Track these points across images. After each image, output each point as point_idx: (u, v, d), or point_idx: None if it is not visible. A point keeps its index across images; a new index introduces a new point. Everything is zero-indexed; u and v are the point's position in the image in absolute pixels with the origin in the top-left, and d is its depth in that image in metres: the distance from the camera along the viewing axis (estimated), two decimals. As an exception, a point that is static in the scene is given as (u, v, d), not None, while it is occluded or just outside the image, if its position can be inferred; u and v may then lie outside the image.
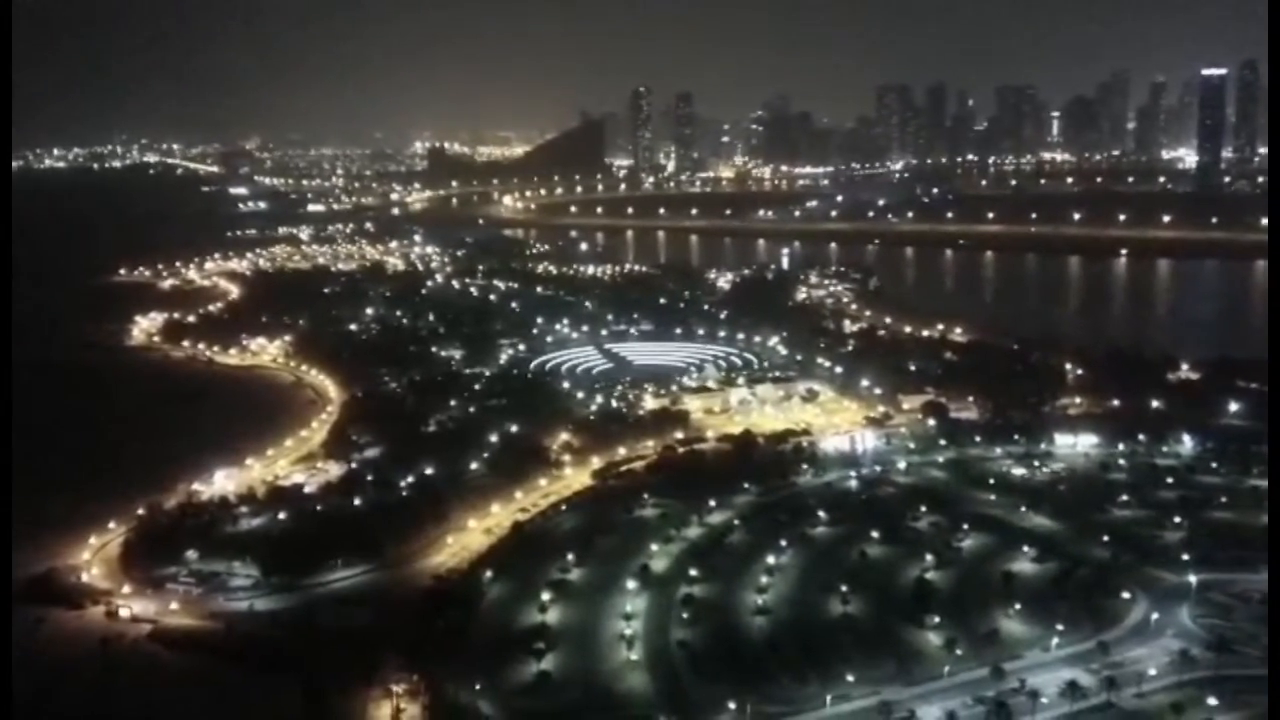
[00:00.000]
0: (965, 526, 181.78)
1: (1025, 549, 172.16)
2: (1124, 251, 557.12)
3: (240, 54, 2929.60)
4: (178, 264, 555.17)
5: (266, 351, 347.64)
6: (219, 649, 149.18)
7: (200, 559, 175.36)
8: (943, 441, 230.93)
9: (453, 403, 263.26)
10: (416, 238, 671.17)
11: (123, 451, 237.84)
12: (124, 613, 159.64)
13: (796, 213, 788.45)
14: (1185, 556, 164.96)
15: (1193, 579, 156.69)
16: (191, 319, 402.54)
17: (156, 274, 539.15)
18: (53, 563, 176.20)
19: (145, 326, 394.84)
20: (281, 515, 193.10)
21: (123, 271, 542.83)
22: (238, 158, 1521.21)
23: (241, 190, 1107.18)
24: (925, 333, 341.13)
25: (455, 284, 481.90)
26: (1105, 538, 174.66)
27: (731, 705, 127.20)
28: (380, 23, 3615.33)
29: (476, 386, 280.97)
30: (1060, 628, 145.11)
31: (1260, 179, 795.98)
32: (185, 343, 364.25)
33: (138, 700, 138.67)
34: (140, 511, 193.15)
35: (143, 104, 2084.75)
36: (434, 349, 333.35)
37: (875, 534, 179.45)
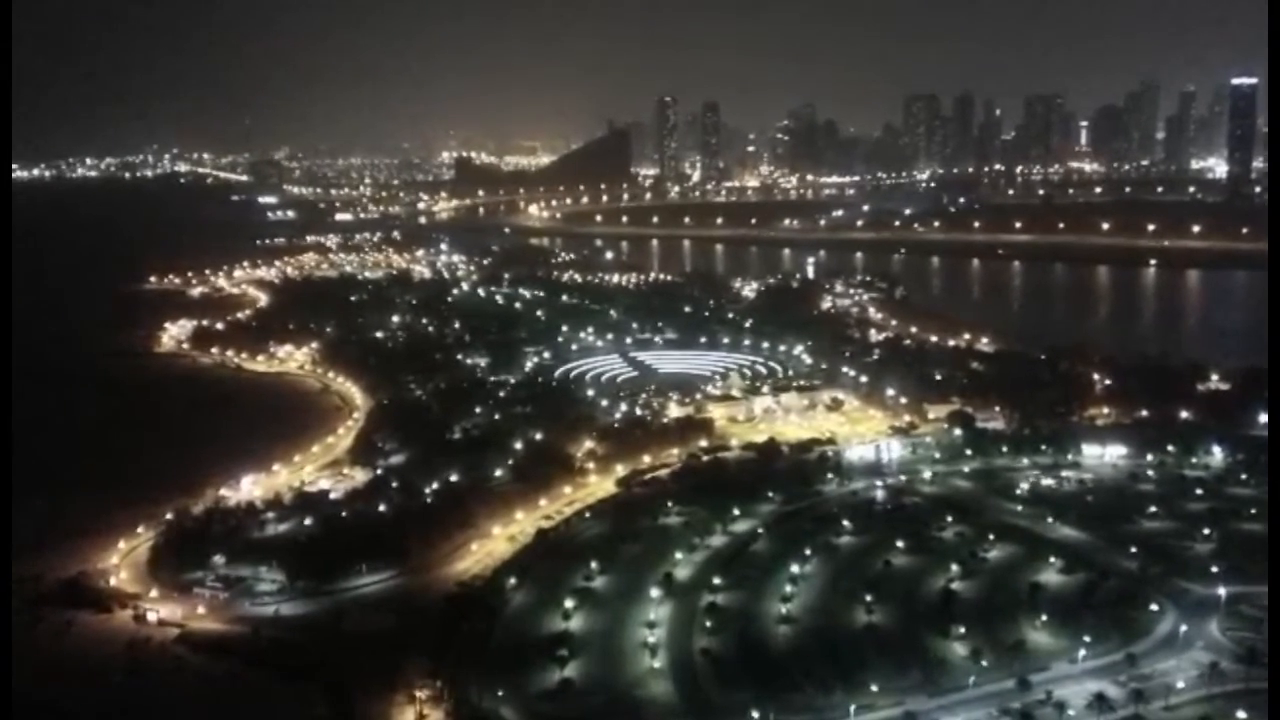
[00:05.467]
0: (991, 536, 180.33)
1: (1052, 560, 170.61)
2: (1153, 261, 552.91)
3: (270, 66, 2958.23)
4: (207, 272, 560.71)
5: (294, 358, 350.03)
6: (245, 653, 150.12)
7: (227, 564, 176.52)
8: (969, 451, 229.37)
9: (478, 410, 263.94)
10: (443, 246, 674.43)
11: (151, 457, 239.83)
12: (151, 616, 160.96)
13: (822, 222, 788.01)
14: (1214, 568, 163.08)
15: (1222, 591, 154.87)
16: (220, 326, 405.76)
17: (186, 281, 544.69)
18: (82, 567, 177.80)
19: (174, 333, 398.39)
20: (307, 521, 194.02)
21: (153, 279, 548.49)
22: (267, 167, 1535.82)
23: (270, 199, 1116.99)
24: (951, 342, 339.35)
25: (481, 292, 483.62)
26: (1133, 549, 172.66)
27: (755, 714, 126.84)
28: (408, 34, 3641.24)
29: (501, 394, 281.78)
30: (1087, 639, 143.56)
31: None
32: (214, 349, 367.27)
33: (163, 703, 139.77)
34: (168, 516, 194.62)
35: (174, 114, 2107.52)
36: (459, 356, 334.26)
37: (900, 543, 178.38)
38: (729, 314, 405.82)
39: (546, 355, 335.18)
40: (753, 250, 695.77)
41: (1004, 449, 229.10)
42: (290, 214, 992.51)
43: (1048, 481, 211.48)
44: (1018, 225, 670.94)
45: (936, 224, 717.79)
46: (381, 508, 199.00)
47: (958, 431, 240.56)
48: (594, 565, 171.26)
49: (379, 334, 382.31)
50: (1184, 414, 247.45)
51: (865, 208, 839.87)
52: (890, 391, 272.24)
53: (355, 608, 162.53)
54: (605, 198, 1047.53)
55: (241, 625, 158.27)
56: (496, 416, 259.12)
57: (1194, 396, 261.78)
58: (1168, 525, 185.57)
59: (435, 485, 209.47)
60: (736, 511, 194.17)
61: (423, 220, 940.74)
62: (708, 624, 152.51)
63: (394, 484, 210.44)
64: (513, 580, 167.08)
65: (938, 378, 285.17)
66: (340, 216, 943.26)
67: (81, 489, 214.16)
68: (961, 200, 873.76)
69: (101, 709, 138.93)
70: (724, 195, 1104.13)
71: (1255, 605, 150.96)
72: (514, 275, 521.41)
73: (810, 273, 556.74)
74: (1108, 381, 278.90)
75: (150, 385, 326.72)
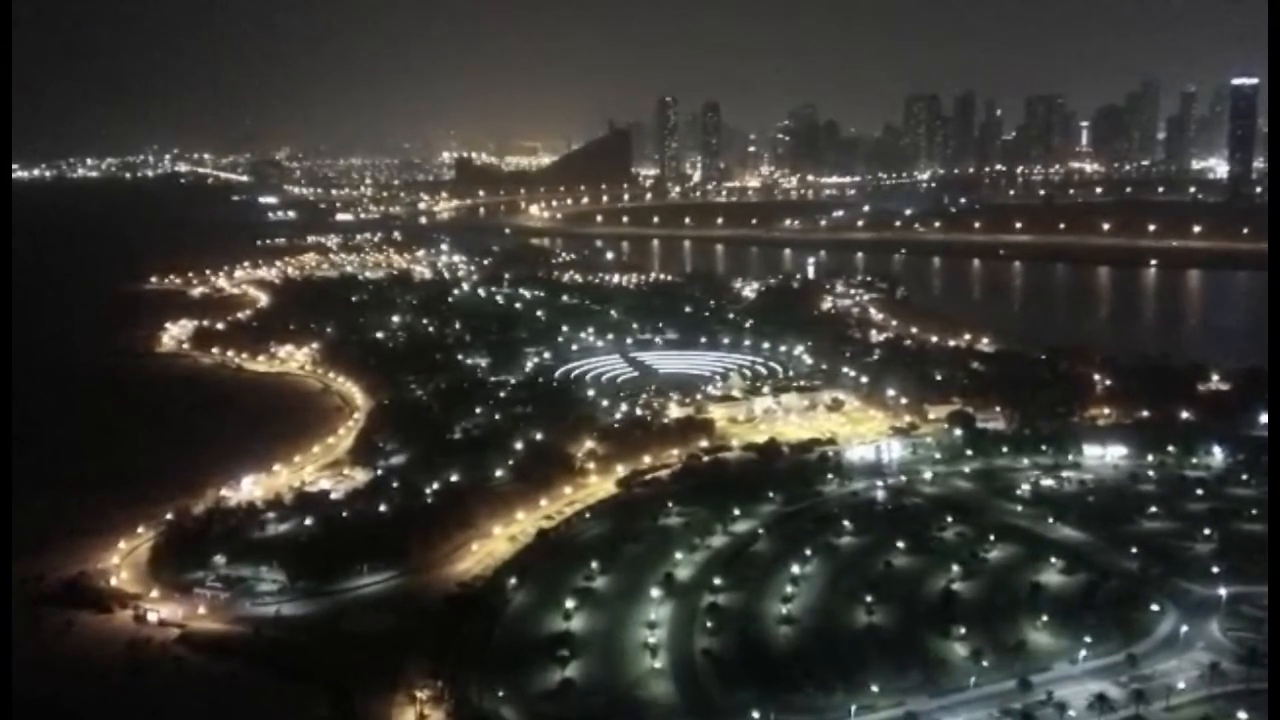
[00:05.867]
0: (992, 537, 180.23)
1: (1053, 560, 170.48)
2: (1154, 262, 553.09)
3: (271, 66, 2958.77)
4: (208, 272, 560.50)
5: (294, 359, 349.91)
6: (245, 653, 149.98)
7: (228, 564, 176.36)
8: (969, 451, 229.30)
9: (478, 410, 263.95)
10: (443, 246, 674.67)
11: (152, 457, 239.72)
12: (152, 617, 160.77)
13: (823, 222, 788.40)
14: (1215, 569, 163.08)
15: (1223, 591, 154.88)
16: (221, 326, 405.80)
17: (187, 282, 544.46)
18: (82, 567, 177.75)
19: (175, 334, 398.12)
20: (308, 521, 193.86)
21: (154, 279, 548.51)
22: (268, 167, 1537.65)
23: (271, 199, 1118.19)
24: (952, 342, 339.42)
25: (481, 292, 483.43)
26: (1134, 549, 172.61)
27: (755, 715, 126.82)
28: (409, 35, 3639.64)
29: (502, 394, 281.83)
30: (1088, 640, 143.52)
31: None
32: (214, 350, 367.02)
33: (164, 703, 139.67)
34: (169, 517, 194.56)
35: (175, 115, 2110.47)
36: (460, 357, 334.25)
37: (901, 544, 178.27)
38: (729, 314, 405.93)
39: (547, 355, 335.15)
40: (753, 250, 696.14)
41: (1004, 449, 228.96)
42: (291, 214, 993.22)
43: (1048, 482, 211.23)
44: (1018, 225, 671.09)
45: (937, 224, 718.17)
46: (382, 508, 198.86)
47: (958, 432, 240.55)
48: (595, 565, 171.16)
49: (379, 334, 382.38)
50: (1185, 414, 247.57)
51: (866, 208, 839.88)
52: (891, 392, 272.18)
53: (356, 608, 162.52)
54: (606, 198, 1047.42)
55: (242, 625, 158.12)
56: (497, 417, 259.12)
57: (1195, 397, 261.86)
58: (1168, 526, 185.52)
59: (436, 485, 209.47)
60: (737, 512, 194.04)
61: (423, 220, 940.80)
62: (708, 624, 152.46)
63: (394, 484, 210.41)
64: (513, 580, 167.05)
65: (938, 378, 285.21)
66: (341, 217, 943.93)
67: (82, 489, 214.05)
68: (962, 200, 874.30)
69: (102, 709, 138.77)
70: (724, 195, 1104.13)
71: (1256, 605, 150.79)
72: (514, 275, 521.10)
73: (811, 273, 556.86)
74: (1108, 382, 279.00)
75: (151, 385, 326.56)
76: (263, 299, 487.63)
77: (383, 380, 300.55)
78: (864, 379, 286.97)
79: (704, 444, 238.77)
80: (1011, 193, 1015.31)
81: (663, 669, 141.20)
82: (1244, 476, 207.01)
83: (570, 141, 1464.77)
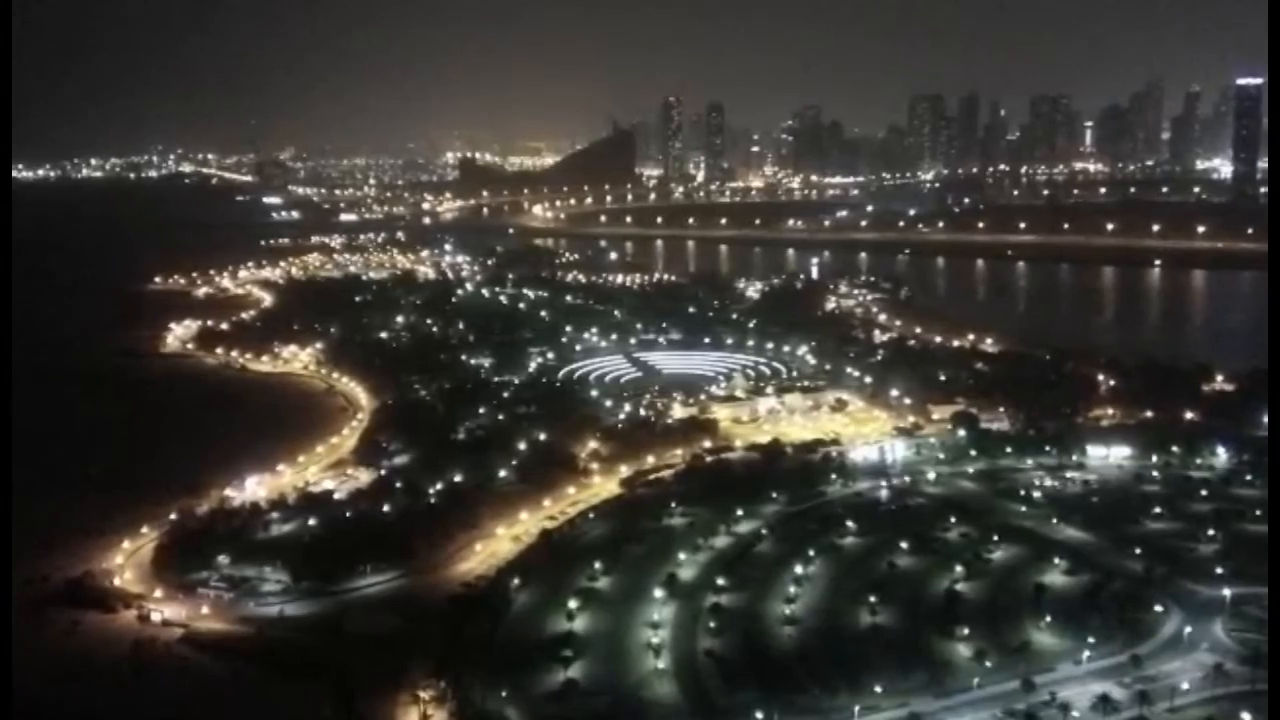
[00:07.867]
0: (996, 538, 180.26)
1: (1057, 561, 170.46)
2: (1158, 262, 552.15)
3: (275, 66, 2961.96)
4: (212, 272, 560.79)
5: (298, 359, 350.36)
6: (249, 653, 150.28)
7: (231, 564, 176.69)
8: (973, 452, 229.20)
9: (482, 410, 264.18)
10: (447, 246, 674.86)
11: (156, 457, 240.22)
12: (156, 617, 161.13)
13: (826, 222, 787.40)
14: (1219, 570, 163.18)
15: (1227, 592, 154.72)
16: (225, 326, 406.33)
17: (191, 282, 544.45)
18: (86, 567, 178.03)
19: (179, 334, 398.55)
20: (312, 521, 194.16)
21: (158, 280, 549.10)
22: (272, 168, 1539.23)
23: (275, 199, 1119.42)
24: (956, 342, 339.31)
25: (485, 292, 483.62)
26: (1138, 550, 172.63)
27: (759, 715, 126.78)
28: (413, 35, 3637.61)
29: (506, 394, 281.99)
30: (1092, 640, 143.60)
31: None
32: (219, 350, 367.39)
33: (168, 703, 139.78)
34: (173, 517, 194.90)
35: (179, 115, 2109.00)
36: (464, 357, 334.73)
37: (905, 544, 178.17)
38: (733, 314, 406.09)
39: (550, 356, 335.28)
40: (757, 251, 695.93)
41: (1009, 450, 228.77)
42: (295, 214, 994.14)
43: (1052, 482, 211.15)
44: (1022, 226, 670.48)
45: (941, 225, 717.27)
46: (386, 508, 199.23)
47: (962, 432, 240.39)
48: (598, 566, 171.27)
49: (383, 334, 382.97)
50: (1189, 415, 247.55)
51: (870, 208, 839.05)
52: (894, 392, 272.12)
53: (359, 608, 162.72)
54: (609, 198, 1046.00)
55: (246, 625, 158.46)
56: (500, 417, 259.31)
57: (1199, 397, 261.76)
58: (1173, 526, 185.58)
59: (439, 486, 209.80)
60: (740, 512, 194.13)
61: (427, 221, 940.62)
62: (712, 625, 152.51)
63: (398, 484, 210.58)
64: (517, 581, 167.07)
65: (942, 378, 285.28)
66: (345, 217, 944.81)
67: (86, 489, 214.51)
68: (966, 201, 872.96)
69: (107, 709, 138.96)
70: (728, 196, 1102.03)
71: (1260, 606, 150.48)
72: (518, 276, 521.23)
73: (814, 273, 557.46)
74: (1112, 382, 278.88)
75: (155, 386, 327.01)
76: (266, 299, 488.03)
77: (386, 380, 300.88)
78: (868, 379, 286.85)
79: (707, 444, 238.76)
80: (1015, 193, 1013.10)
81: (666, 669, 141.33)
82: (1248, 477, 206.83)
83: (574, 142, 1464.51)
